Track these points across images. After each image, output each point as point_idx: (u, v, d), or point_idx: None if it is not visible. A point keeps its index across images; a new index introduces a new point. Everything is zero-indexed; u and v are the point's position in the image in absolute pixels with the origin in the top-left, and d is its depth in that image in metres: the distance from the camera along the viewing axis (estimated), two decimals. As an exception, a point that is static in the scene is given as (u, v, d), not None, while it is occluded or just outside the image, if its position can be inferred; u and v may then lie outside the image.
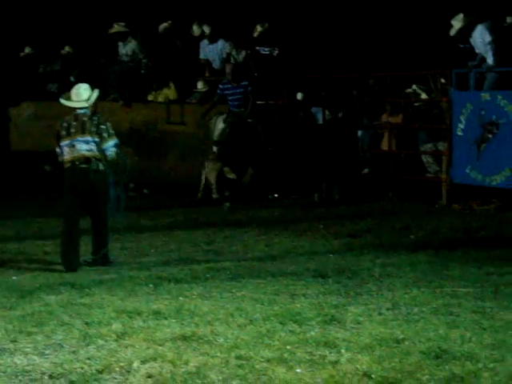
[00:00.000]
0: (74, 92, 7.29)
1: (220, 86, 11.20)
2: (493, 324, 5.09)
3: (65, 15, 15.03)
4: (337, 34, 14.17)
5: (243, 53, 12.55)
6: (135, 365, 4.46)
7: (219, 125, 11.02)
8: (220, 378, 4.28)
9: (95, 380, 4.29)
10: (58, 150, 7.29)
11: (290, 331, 5.02)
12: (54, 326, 5.19)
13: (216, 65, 12.76)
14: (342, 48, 13.96)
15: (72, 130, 7.16)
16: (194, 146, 12.31)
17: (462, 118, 10.65)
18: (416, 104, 11.75)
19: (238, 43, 12.61)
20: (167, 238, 8.67)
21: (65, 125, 7.23)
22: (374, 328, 5.05)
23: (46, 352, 4.73)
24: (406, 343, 4.74)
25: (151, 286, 6.34)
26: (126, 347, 4.75)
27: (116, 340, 4.89)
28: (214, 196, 11.00)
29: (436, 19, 11.17)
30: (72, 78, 13.01)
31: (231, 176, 10.84)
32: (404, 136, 11.75)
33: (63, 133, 7.20)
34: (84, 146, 7.11)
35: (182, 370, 4.39)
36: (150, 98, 12.74)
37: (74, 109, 7.25)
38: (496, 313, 5.38)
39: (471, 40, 10.31)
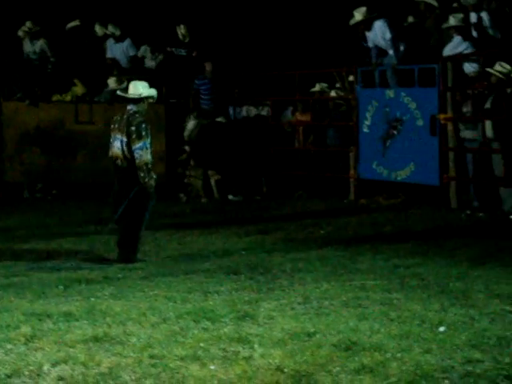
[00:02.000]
0: (131, 85, 7.40)
1: (196, 82, 11.69)
2: (400, 315, 5.23)
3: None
4: (249, 33, 14.24)
5: (160, 57, 12.50)
6: (45, 368, 4.39)
7: (190, 125, 11.58)
8: (133, 377, 4.25)
9: (4, 385, 4.21)
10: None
11: (204, 328, 5.04)
12: (-40, 331, 5.05)
13: (124, 63, 12.64)
14: (254, 46, 14.05)
15: (116, 126, 7.36)
16: (103, 146, 12.14)
17: (368, 115, 10.90)
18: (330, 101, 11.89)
19: (155, 46, 12.57)
20: (77, 239, 8.54)
21: (113, 120, 7.47)
22: (286, 323, 5.12)
23: (-47, 358, 4.60)
24: (318, 336, 4.82)
25: (61, 287, 6.24)
26: (36, 350, 4.67)
27: (25, 343, 4.79)
28: (203, 200, 11.30)
29: (342, 18, 11.36)
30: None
31: (216, 177, 11.35)
32: (313, 133, 11.93)
33: (111, 127, 7.43)
34: (117, 144, 7.30)
35: (94, 371, 4.34)
36: (56, 99, 12.48)
37: (127, 103, 7.35)
38: (403, 304, 5.52)
39: (369, 34, 10.52)
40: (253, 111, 12.52)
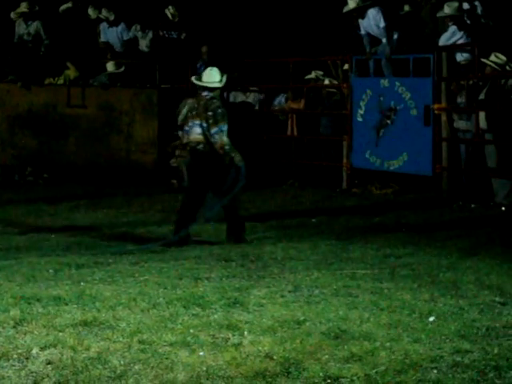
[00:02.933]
0: (206, 73, 7.54)
1: (197, 66, 11.62)
2: (390, 304, 5.24)
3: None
4: (242, 19, 14.18)
5: (150, 34, 12.44)
6: (34, 351, 4.38)
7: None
8: (122, 362, 4.25)
9: (-8, 368, 4.20)
10: (180, 132, 7.68)
11: (194, 315, 5.03)
12: None
13: (117, 48, 12.57)
14: (247, 32, 13.99)
15: (194, 113, 7.49)
16: (95, 130, 12.13)
17: (362, 104, 10.88)
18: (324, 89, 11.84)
19: (144, 26, 12.49)
20: (68, 223, 8.52)
21: (189, 107, 7.54)
22: (276, 310, 5.12)
23: None
24: (307, 324, 4.83)
25: (51, 271, 6.22)
26: (25, 334, 4.66)
27: (14, 327, 4.78)
28: (173, 181, 11.13)
29: (338, 5, 11.32)
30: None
31: None
32: (306, 121, 11.90)
33: (189, 115, 7.52)
34: (197, 130, 7.43)
35: (83, 355, 4.33)
36: (48, 82, 12.41)
37: (202, 90, 7.49)
38: (393, 293, 5.53)
39: (362, 21, 10.48)
40: (239, 97, 12.42)
